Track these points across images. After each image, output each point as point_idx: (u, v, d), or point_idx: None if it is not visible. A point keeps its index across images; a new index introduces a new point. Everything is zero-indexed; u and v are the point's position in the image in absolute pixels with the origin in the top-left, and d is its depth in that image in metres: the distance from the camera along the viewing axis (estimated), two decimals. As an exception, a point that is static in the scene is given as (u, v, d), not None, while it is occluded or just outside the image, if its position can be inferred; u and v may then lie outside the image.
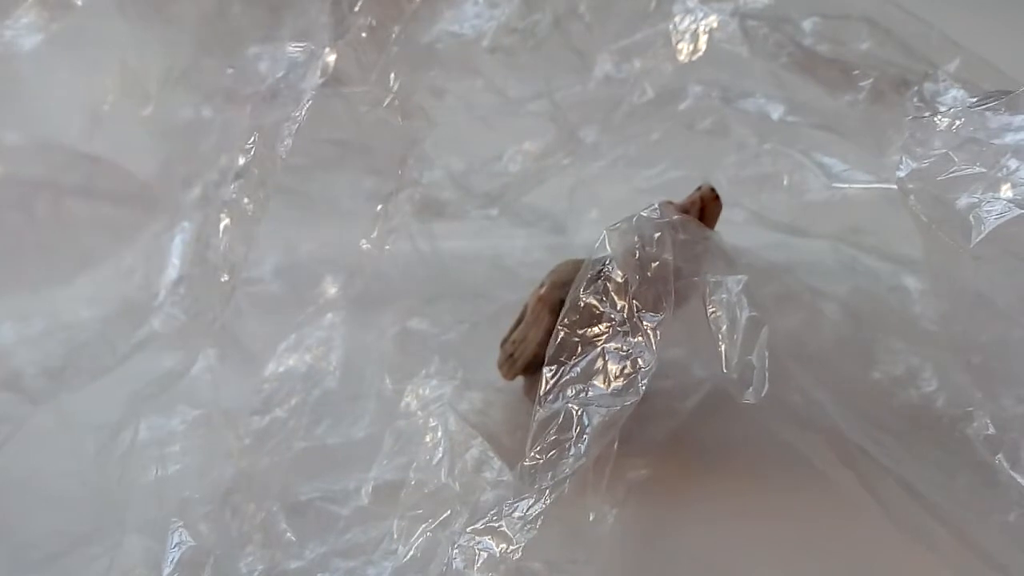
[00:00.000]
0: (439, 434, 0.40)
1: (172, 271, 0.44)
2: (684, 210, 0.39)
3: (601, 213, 0.52)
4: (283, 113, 0.40)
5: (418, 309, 0.48)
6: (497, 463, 0.38)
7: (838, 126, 0.43)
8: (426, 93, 0.44)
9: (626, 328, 0.36)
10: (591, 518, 0.35)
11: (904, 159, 0.37)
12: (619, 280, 0.36)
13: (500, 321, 0.45)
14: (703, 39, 0.43)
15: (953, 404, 0.41)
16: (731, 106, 0.44)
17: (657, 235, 0.37)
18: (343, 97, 0.41)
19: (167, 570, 0.36)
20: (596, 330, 0.36)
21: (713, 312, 0.37)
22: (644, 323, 0.36)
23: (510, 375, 0.42)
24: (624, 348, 0.36)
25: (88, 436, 0.42)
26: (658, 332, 0.36)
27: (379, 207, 0.42)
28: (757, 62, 0.42)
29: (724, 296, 0.37)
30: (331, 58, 0.41)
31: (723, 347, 0.36)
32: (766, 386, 0.36)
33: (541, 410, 0.35)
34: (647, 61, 0.44)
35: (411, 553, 0.37)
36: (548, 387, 0.36)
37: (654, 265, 0.37)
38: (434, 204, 0.47)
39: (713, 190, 0.40)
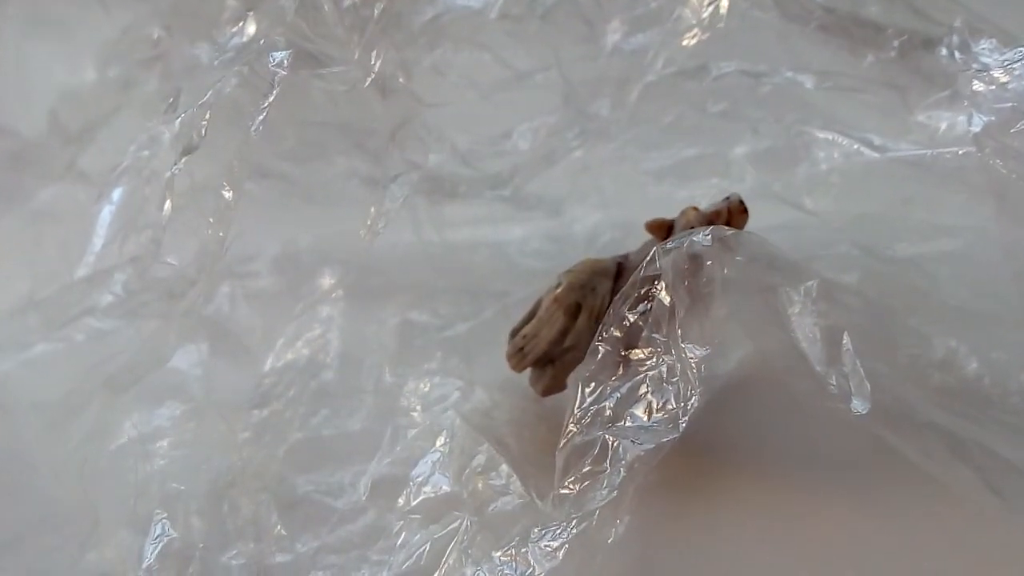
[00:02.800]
0: (444, 437, 0.39)
1: (98, 242, 0.42)
2: (709, 220, 0.39)
3: (603, 198, 0.52)
4: (248, 92, 0.39)
5: (418, 302, 0.47)
6: (505, 469, 0.37)
7: (865, 90, 0.43)
8: (428, 70, 0.44)
9: (671, 357, 0.35)
10: (609, 540, 0.34)
11: (974, 114, 0.38)
12: (666, 303, 0.36)
13: (503, 318, 0.44)
14: (727, 5, 0.42)
15: (998, 382, 0.40)
16: (758, 80, 0.44)
17: (709, 262, 0.36)
18: (322, 78, 0.41)
19: (147, 562, 0.35)
20: (640, 354, 0.36)
21: (791, 326, 0.36)
22: (688, 355, 0.35)
23: (519, 368, 0.41)
24: (667, 378, 0.35)
25: (29, 415, 0.41)
26: (703, 367, 0.35)
27: (378, 196, 0.41)
28: (791, 27, 0.42)
29: (798, 308, 0.36)
30: (251, 28, 0.41)
31: (812, 360, 0.35)
32: (868, 389, 0.35)
33: (575, 430, 0.35)
34: (666, 33, 0.43)
35: (412, 559, 0.36)
36: (585, 404, 0.35)
37: (703, 294, 0.36)
38: (446, 185, 0.46)
39: (741, 202, 0.40)
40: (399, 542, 0.36)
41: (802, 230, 0.48)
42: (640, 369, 0.35)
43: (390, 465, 0.39)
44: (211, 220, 0.38)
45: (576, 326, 0.39)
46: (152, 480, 0.38)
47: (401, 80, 0.41)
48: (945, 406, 0.37)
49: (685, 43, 0.43)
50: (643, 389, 0.35)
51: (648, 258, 0.36)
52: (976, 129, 0.37)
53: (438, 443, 0.39)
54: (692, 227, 0.38)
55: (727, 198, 0.40)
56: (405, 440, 0.40)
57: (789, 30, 0.42)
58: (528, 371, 0.41)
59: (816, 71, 0.43)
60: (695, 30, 0.43)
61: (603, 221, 0.52)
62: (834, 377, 0.35)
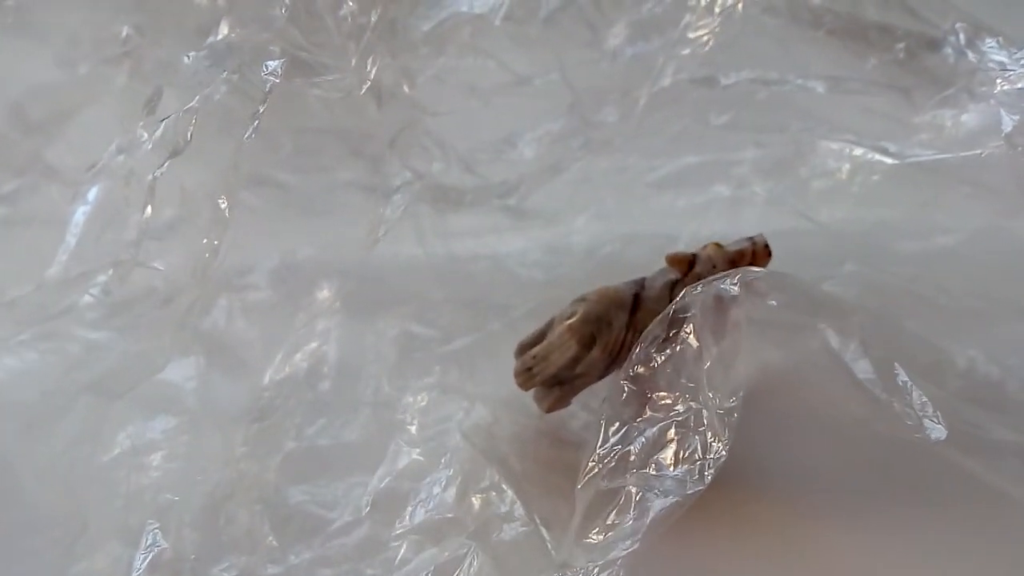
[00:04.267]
0: (444, 453, 0.39)
1: (72, 241, 0.41)
2: (732, 260, 0.39)
3: (604, 208, 0.51)
4: (240, 100, 0.39)
5: (418, 313, 0.46)
6: (509, 495, 0.37)
7: (872, 93, 0.43)
8: (429, 76, 0.43)
9: (698, 403, 0.35)
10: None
11: (1004, 114, 0.38)
12: (694, 347, 0.35)
13: (504, 332, 0.44)
14: (741, 10, 0.42)
15: (1021, 388, 0.41)
16: (767, 88, 0.43)
17: (734, 311, 0.36)
18: (317, 86, 0.40)
19: (136, 572, 0.35)
20: (667, 399, 0.35)
21: (842, 362, 0.36)
22: (716, 403, 0.35)
23: (526, 387, 0.40)
24: (694, 427, 0.34)
25: (7, 415, 0.40)
26: (731, 418, 0.34)
27: (379, 205, 0.41)
28: (802, 32, 0.42)
29: (838, 343, 0.36)
30: (225, 28, 0.40)
31: (876, 392, 0.35)
32: (940, 415, 0.35)
33: (598, 470, 0.34)
34: (674, 42, 0.43)
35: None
36: (608, 444, 0.35)
37: (732, 339, 0.36)
38: (450, 194, 0.46)
39: (767, 245, 0.40)
40: (397, 559, 0.36)
41: (810, 243, 0.47)
42: (667, 414, 0.35)
43: (387, 479, 0.39)
44: (205, 228, 0.37)
45: (589, 356, 0.38)
46: (145, 491, 0.38)
47: (406, 88, 0.41)
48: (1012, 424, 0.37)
49: (693, 51, 0.43)
50: (670, 434, 0.34)
51: (678, 299, 0.36)
52: (1007, 128, 0.38)
53: (438, 460, 0.39)
54: (714, 265, 0.39)
55: (751, 238, 0.40)
56: (403, 455, 0.40)
57: (799, 35, 0.42)
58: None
59: (824, 76, 0.43)
60: (704, 37, 0.42)
61: (604, 232, 0.51)
62: (895, 404, 0.35)
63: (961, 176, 0.42)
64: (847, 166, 0.46)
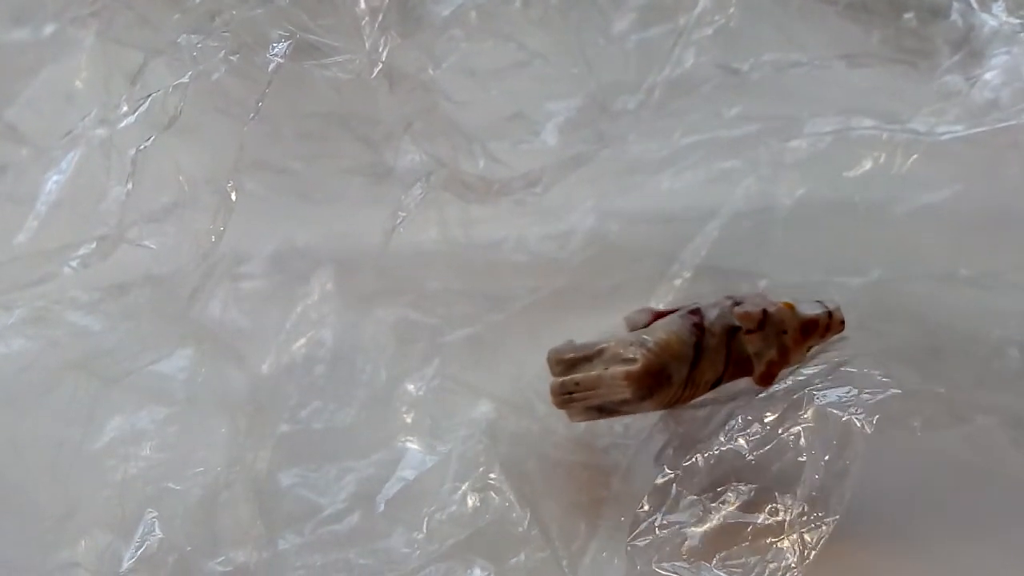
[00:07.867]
0: (446, 452, 0.39)
1: (42, 208, 0.41)
2: (804, 326, 0.38)
3: (606, 196, 0.49)
4: (240, 80, 0.38)
5: (416, 302, 0.46)
6: (526, 513, 0.37)
7: (892, 68, 0.43)
8: (445, 59, 0.43)
9: (783, 517, 0.32)
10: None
11: None
12: (800, 459, 0.33)
13: (507, 326, 0.44)
14: None
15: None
16: (783, 72, 0.43)
17: (858, 440, 0.33)
18: (324, 68, 0.39)
19: (128, 563, 0.35)
20: (749, 491, 0.33)
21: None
22: (806, 524, 0.32)
23: (562, 407, 0.39)
24: (773, 539, 0.32)
25: None
26: (819, 544, 0.32)
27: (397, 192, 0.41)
28: (814, 8, 0.42)
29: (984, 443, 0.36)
30: None
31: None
32: None
33: (657, 536, 0.33)
34: (688, 27, 0.43)
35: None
36: (674, 513, 0.33)
37: (842, 468, 0.33)
38: (479, 184, 0.44)
39: (843, 322, 0.38)
40: (395, 559, 0.36)
41: (837, 236, 0.47)
42: (747, 510, 0.33)
43: (380, 469, 0.39)
44: (209, 213, 0.37)
45: (641, 405, 0.37)
46: (138, 480, 0.37)
47: (431, 71, 0.40)
48: None
49: (712, 35, 0.42)
50: (745, 534, 0.32)
51: (786, 392, 0.34)
52: None
53: (437, 454, 0.38)
54: (784, 330, 0.37)
55: (823, 304, 0.38)
56: (399, 445, 0.39)
57: (802, 13, 0.42)
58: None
59: (841, 55, 0.43)
60: (721, 20, 0.42)
61: (606, 220, 0.50)
62: None
63: (996, 146, 0.42)
64: (879, 151, 0.45)
